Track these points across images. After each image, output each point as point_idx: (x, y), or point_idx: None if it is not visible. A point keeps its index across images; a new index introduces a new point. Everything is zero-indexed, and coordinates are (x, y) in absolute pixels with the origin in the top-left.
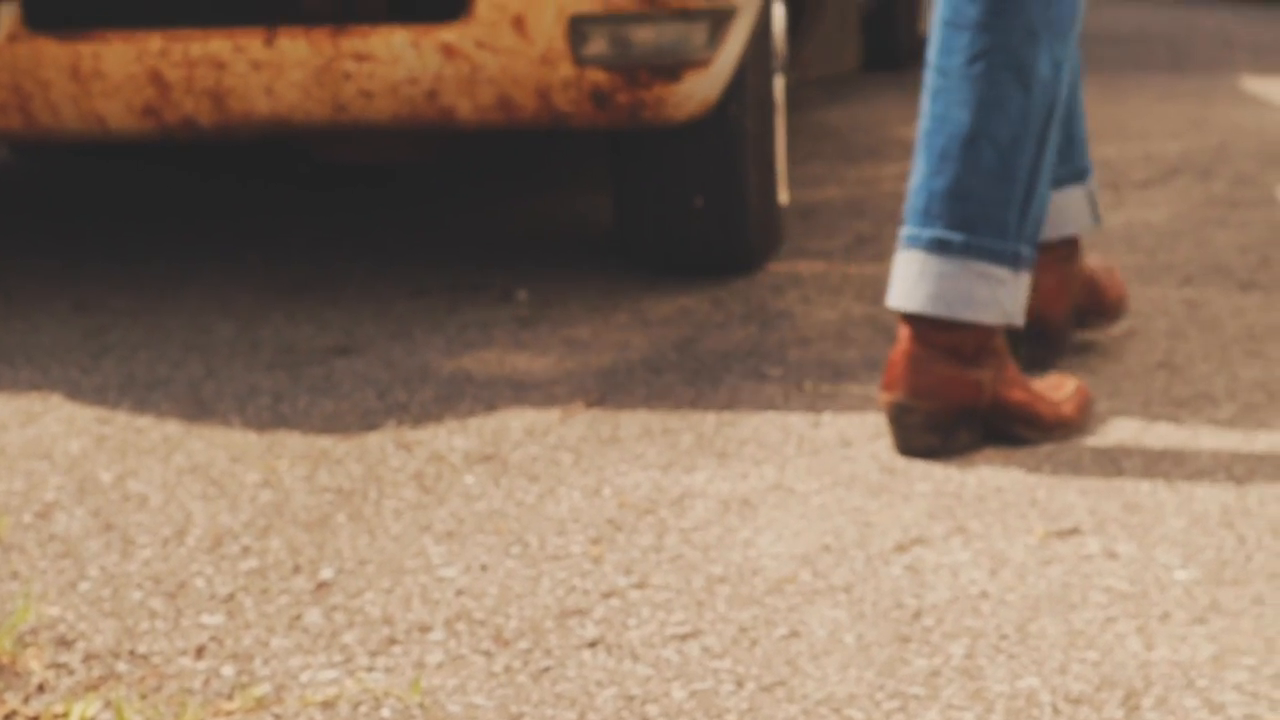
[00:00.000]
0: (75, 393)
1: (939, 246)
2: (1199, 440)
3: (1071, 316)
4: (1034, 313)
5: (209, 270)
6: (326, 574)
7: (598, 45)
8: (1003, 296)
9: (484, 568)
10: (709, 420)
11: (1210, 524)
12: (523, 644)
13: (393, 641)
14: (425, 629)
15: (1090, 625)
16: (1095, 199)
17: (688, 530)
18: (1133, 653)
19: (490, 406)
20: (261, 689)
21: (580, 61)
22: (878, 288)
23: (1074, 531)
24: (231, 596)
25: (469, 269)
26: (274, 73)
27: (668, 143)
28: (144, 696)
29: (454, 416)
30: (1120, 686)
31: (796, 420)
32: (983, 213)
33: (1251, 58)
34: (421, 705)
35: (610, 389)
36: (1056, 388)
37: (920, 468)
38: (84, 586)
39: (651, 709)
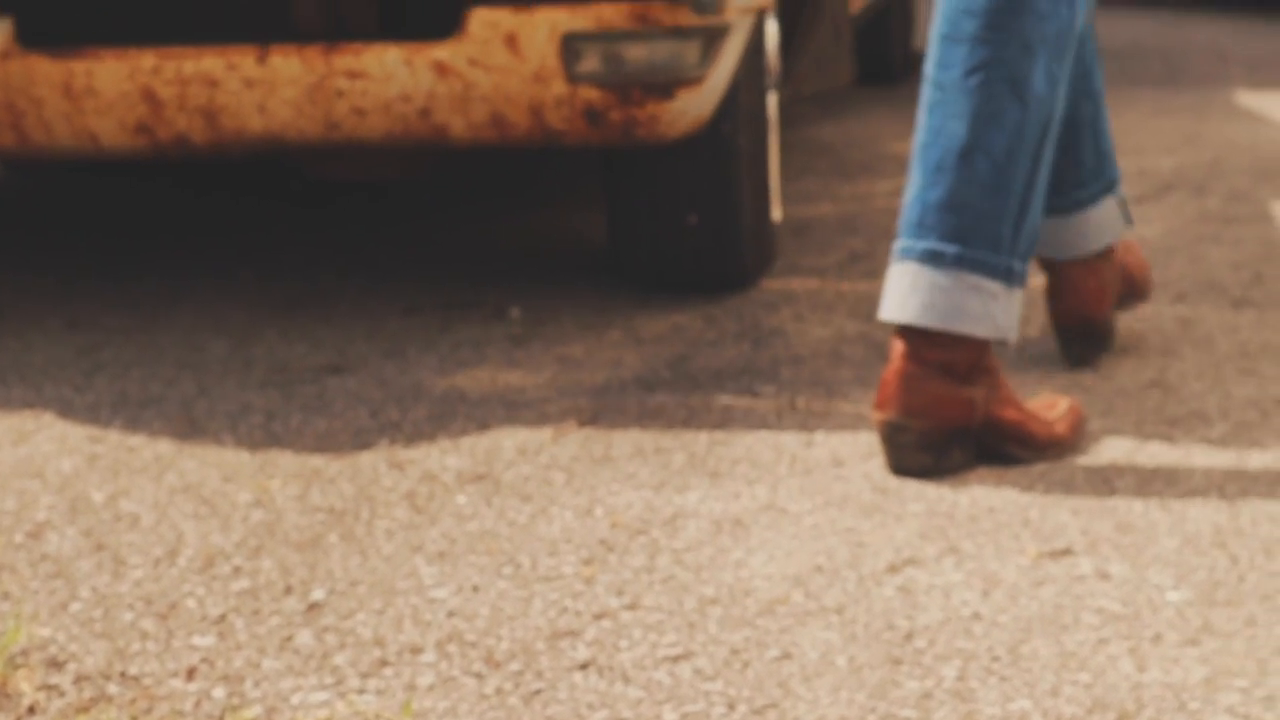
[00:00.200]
0: (67, 411)
1: (932, 258)
2: (1192, 459)
3: (1113, 313)
4: (1080, 315)
5: (202, 287)
6: (318, 595)
7: (591, 63)
8: (995, 311)
9: (476, 589)
10: (701, 439)
11: (1203, 544)
12: (514, 666)
13: (384, 663)
14: (417, 650)
15: (1082, 647)
16: (1125, 202)
17: (680, 551)
18: (1125, 675)
19: (483, 425)
20: (252, 711)
21: (573, 79)
22: (871, 305)
23: (1066, 552)
24: (223, 617)
25: (462, 286)
26: (267, 90)
27: (661, 160)
28: (135, 718)
29: (447, 435)
30: (1112, 709)
31: (789, 439)
32: (977, 225)
33: (1246, 72)
34: None
35: (603, 407)
36: (1049, 407)
37: (913, 487)
38: (75, 607)
39: None
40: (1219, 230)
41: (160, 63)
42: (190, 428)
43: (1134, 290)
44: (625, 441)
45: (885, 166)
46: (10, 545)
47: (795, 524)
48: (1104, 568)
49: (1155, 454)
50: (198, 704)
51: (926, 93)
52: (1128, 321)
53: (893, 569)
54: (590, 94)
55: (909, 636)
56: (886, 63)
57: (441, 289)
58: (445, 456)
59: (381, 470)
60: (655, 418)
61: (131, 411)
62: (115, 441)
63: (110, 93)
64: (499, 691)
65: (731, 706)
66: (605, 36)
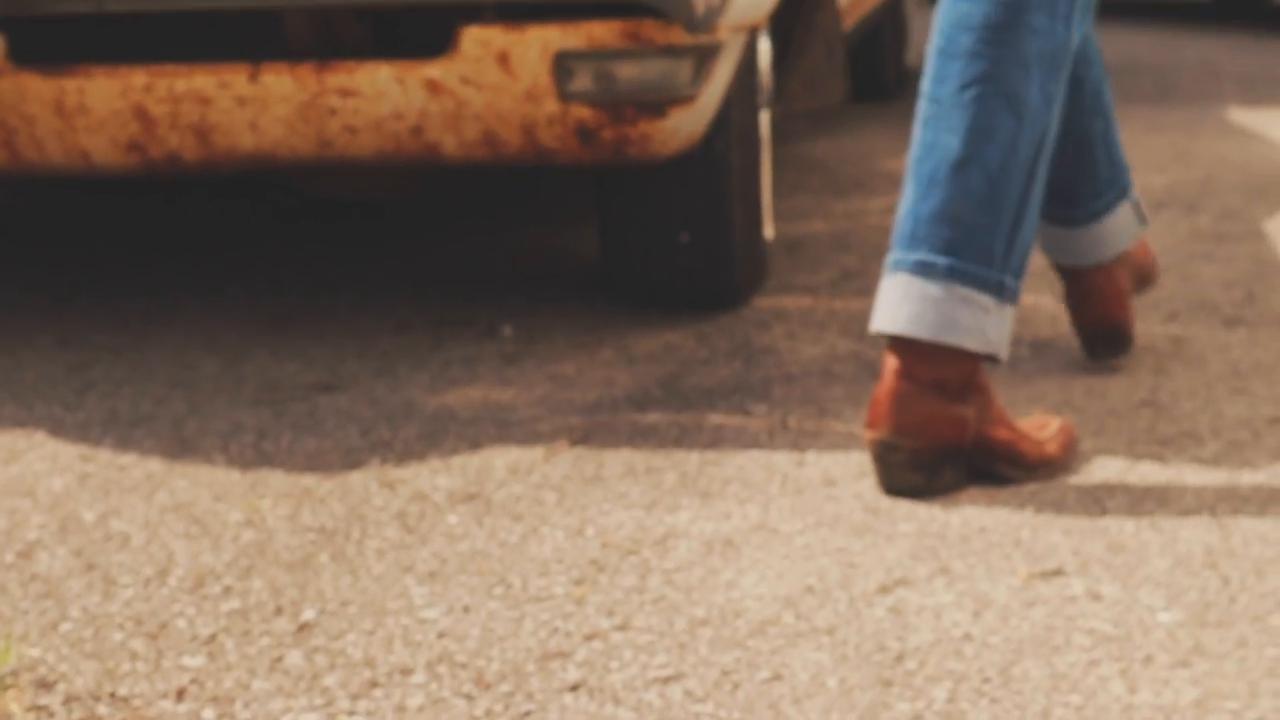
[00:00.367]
0: (58, 429)
1: (924, 269)
2: (1184, 479)
3: (1133, 312)
4: (1106, 320)
5: (193, 304)
6: (308, 615)
7: (583, 81)
8: (986, 325)
9: (466, 609)
10: (693, 459)
11: (1194, 565)
12: (504, 687)
13: (374, 684)
14: (407, 671)
15: (1073, 668)
16: (1139, 204)
17: (670, 571)
18: (1115, 696)
19: (474, 444)
20: None
21: (565, 98)
22: (863, 323)
23: (1058, 573)
24: (213, 638)
25: (453, 304)
26: (258, 108)
27: (653, 178)
28: None
29: (438, 455)
30: None
31: (780, 459)
32: (969, 238)
33: (1238, 89)
34: None
35: (594, 426)
36: (1041, 427)
37: (904, 507)
38: (65, 627)
39: None
40: (1211, 248)
41: (152, 80)
42: (181, 446)
43: (1143, 277)
44: (617, 461)
45: (878, 184)
46: (1, 565)
47: (786, 544)
48: (1095, 588)
49: (1147, 474)
50: None
51: (922, 107)
52: None
53: (884, 589)
54: (582, 112)
55: (900, 658)
56: (880, 79)
57: (433, 306)
58: (436, 476)
59: (372, 490)
60: (647, 437)
61: (122, 430)
62: (106, 460)
63: (102, 110)
64: (489, 713)
65: None
66: (597, 55)
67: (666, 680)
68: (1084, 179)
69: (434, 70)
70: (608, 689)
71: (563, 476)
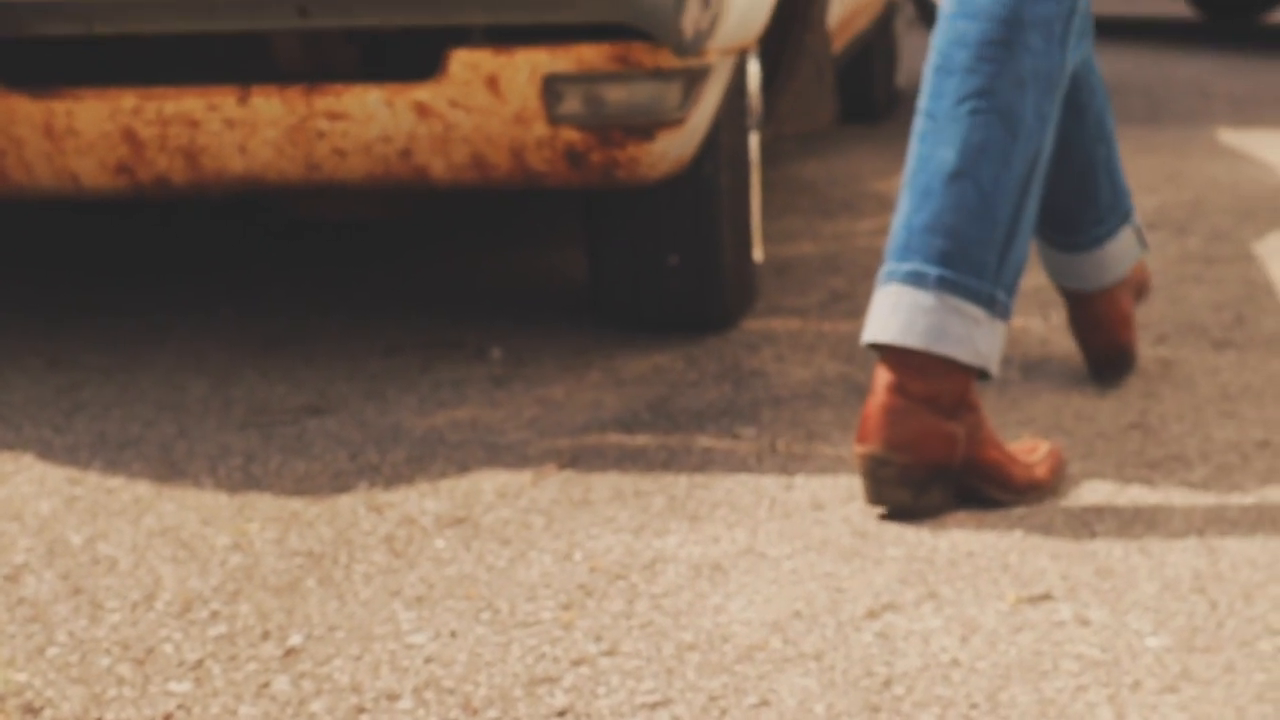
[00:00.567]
0: (47, 452)
1: (915, 279)
2: (1172, 503)
3: (1135, 334)
4: (1111, 343)
5: (183, 325)
6: (295, 640)
7: (572, 104)
8: (977, 337)
9: (454, 634)
10: (681, 482)
11: (1182, 589)
12: (491, 713)
13: (361, 710)
14: (394, 697)
15: (1061, 694)
16: (1140, 229)
17: (658, 596)
18: None
19: (462, 468)
20: None
21: (554, 120)
22: (852, 346)
23: (1046, 597)
24: (200, 663)
25: (443, 325)
26: (248, 131)
27: (642, 201)
28: None
29: (426, 478)
30: None
31: (769, 483)
32: (961, 250)
33: (1229, 109)
34: None
35: (583, 450)
36: (1030, 451)
37: (892, 531)
38: (52, 652)
39: None
40: (1200, 270)
41: (141, 103)
42: (169, 470)
43: (1138, 290)
44: (605, 484)
45: (867, 205)
46: None
47: (774, 569)
48: (1083, 613)
49: (1135, 497)
50: None
51: (918, 123)
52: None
53: (872, 614)
54: (571, 135)
55: (887, 683)
56: (870, 101)
57: (422, 328)
58: (424, 499)
59: (360, 513)
60: (635, 460)
61: (111, 453)
62: (94, 483)
63: (91, 133)
64: None
65: None
66: (586, 78)
67: (654, 706)
68: (1087, 205)
69: (423, 93)
70: (595, 715)
71: (551, 500)
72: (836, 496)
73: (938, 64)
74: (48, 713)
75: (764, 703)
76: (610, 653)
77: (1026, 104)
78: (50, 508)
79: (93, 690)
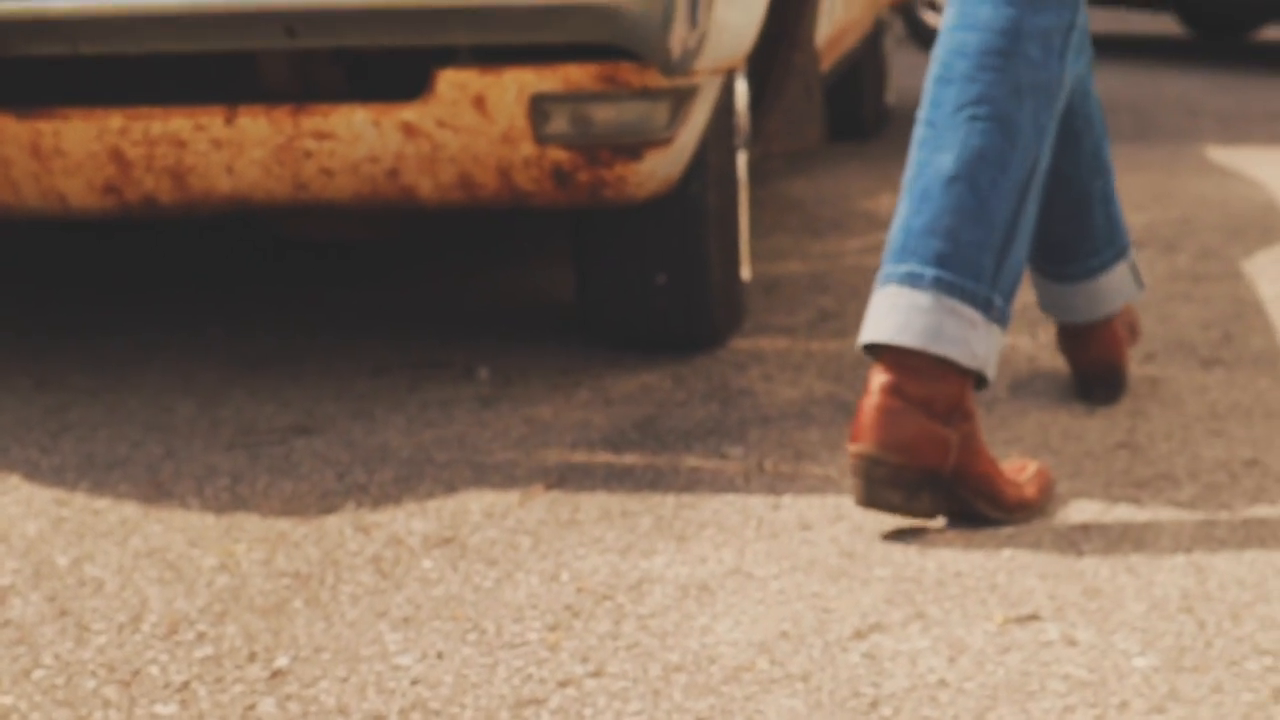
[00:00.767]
0: (34, 473)
1: (912, 279)
2: (1160, 522)
3: (1127, 355)
4: (1101, 363)
5: (171, 345)
6: (282, 662)
7: (559, 124)
8: (974, 339)
9: (440, 655)
10: (668, 502)
11: (1170, 609)
12: None
13: None
14: (380, 719)
15: (1048, 714)
16: (1136, 266)
17: (645, 617)
18: None
19: (450, 488)
20: None
21: (541, 140)
22: (840, 365)
23: (1033, 617)
24: (186, 685)
25: (431, 344)
26: (235, 151)
27: (629, 220)
28: None
29: (413, 498)
30: None
31: (756, 502)
32: (958, 252)
33: (1217, 126)
34: None
35: (570, 470)
36: (1019, 470)
37: (880, 551)
38: (38, 674)
39: None
40: (1189, 288)
41: (128, 123)
42: (156, 491)
43: (1130, 334)
44: (592, 505)
45: (856, 224)
46: None
47: (761, 589)
48: (1071, 633)
49: (1123, 516)
50: None
51: (918, 132)
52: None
53: (859, 635)
54: (558, 155)
55: (875, 704)
56: (858, 119)
57: (410, 348)
58: (411, 520)
59: (347, 534)
60: (622, 480)
61: (98, 474)
62: (81, 504)
63: (78, 153)
64: None
65: None
66: (573, 98)
67: None
68: (1082, 236)
69: (410, 113)
70: None
71: (538, 521)
72: (824, 516)
73: (938, 74)
74: None
75: None
76: (597, 674)
77: (1024, 113)
78: (37, 529)
79: (78, 713)
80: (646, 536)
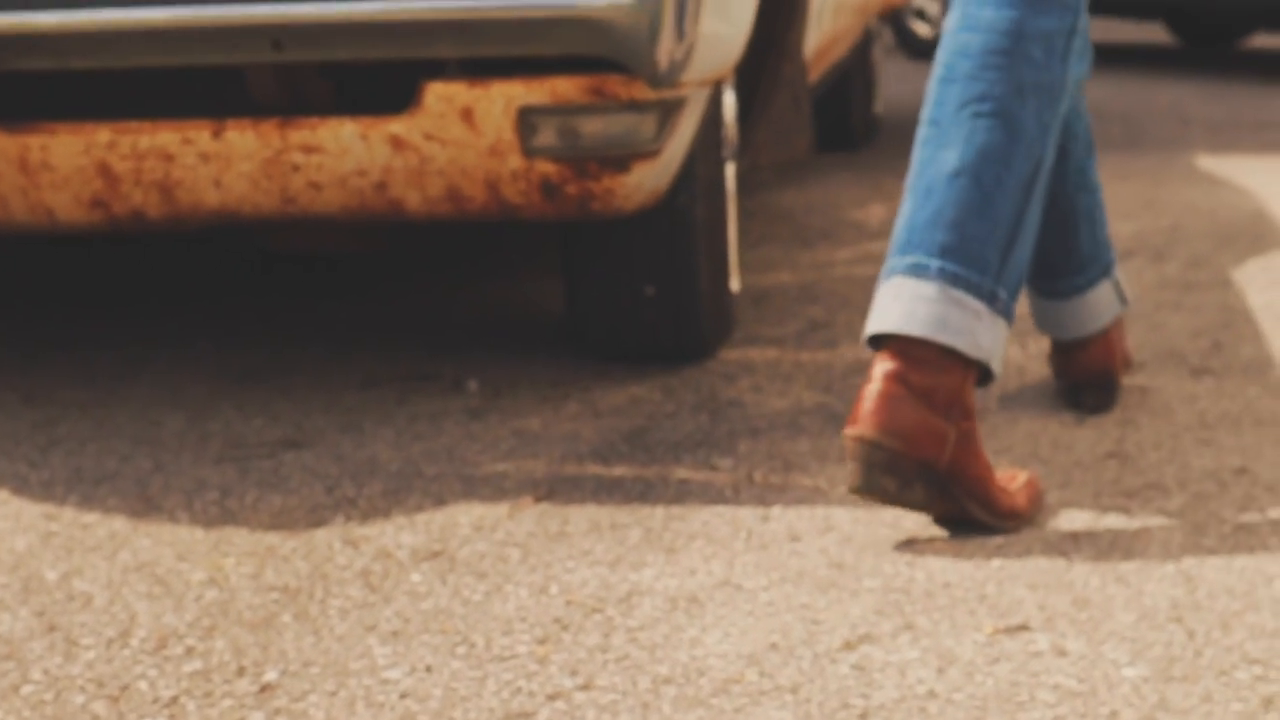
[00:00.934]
0: (22, 487)
1: (916, 270)
2: (1149, 532)
3: (1121, 364)
4: (1096, 369)
5: (159, 359)
6: (270, 676)
7: (547, 137)
8: (978, 330)
9: (429, 669)
10: (658, 514)
11: (1159, 619)
12: None
13: None
14: None
15: None
16: (1119, 284)
17: (634, 629)
18: None
19: (439, 501)
20: None
21: (529, 153)
22: (829, 375)
23: (1023, 628)
24: (175, 700)
25: (420, 357)
26: (222, 165)
27: (618, 232)
28: None
29: (402, 512)
30: None
31: (745, 514)
32: (962, 244)
33: (1206, 135)
34: None
35: (559, 482)
36: (1009, 480)
37: (869, 562)
38: (26, 690)
39: None
40: (1178, 297)
41: (116, 137)
42: (145, 505)
43: (1123, 362)
44: (581, 517)
45: (845, 234)
46: None
47: (751, 601)
48: (1061, 644)
49: (1113, 526)
50: None
51: (921, 132)
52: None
53: (848, 646)
54: (546, 167)
55: (864, 715)
56: (848, 129)
57: (399, 360)
58: (400, 533)
59: (336, 548)
60: (612, 492)
61: (86, 488)
62: (70, 519)
63: (66, 167)
64: None
65: None
66: (561, 110)
67: None
68: (1067, 253)
69: (397, 126)
70: None
71: (527, 533)
72: (813, 528)
73: (941, 75)
74: None
75: None
76: (586, 687)
77: (1027, 111)
78: (25, 543)
79: None
80: (636, 549)
